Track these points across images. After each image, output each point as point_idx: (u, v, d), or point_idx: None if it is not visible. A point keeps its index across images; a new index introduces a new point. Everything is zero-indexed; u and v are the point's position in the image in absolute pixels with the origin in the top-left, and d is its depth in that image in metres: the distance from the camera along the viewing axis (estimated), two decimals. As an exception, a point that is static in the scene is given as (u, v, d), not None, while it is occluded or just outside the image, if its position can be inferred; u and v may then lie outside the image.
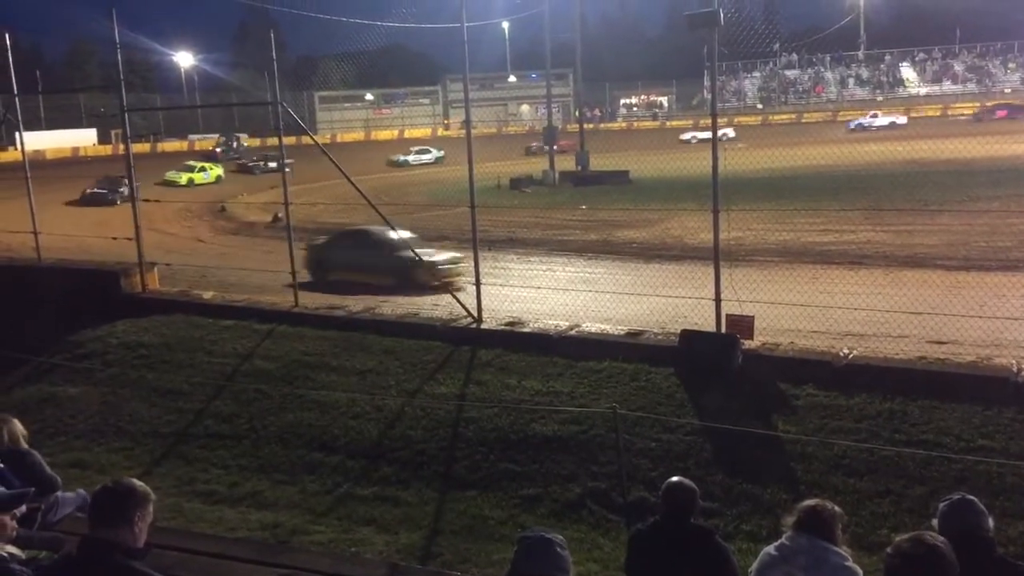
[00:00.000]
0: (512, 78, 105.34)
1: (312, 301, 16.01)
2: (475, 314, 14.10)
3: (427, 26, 57.12)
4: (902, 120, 73.18)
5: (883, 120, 73.33)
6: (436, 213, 28.36)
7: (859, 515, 7.96)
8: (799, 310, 13.76)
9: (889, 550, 3.52)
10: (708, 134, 15.48)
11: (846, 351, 11.51)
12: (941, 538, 3.55)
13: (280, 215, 18.54)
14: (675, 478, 4.92)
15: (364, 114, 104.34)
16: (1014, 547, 6.84)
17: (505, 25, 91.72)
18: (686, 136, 68.54)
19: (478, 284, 14.29)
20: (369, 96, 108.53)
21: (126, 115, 17.28)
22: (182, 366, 13.44)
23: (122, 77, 16.77)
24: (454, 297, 14.60)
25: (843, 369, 10.84)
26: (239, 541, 7.49)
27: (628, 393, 10.96)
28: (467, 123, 15.28)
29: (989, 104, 75.16)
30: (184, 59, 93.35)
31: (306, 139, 19.29)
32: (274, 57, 16.08)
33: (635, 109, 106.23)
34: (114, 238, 17.67)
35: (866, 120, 73.06)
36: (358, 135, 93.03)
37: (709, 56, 12.61)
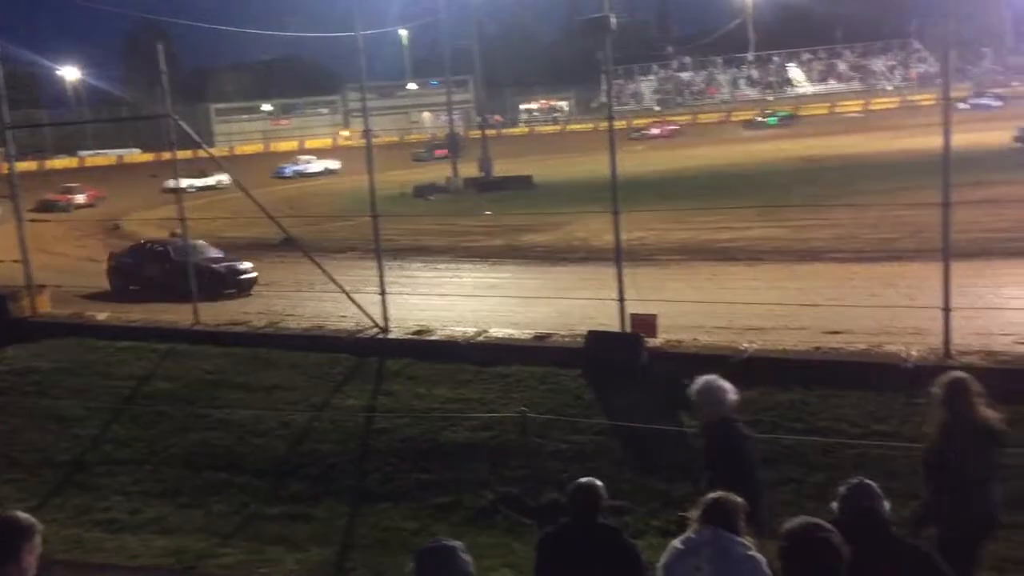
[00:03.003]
0: (412, 86, 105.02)
1: (214, 318, 15.65)
2: (382, 324, 13.98)
3: (322, 35, 56.56)
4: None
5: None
6: (340, 224, 28.05)
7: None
8: (702, 307, 14.09)
9: (781, 535, 3.62)
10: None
11: (747, 345, 11.82)
12: (826, 523, 3.67)
13: (178, 231, 18.03)
14: (581, 479, 4.95)
15: (262, 125, 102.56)
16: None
17: (403, 33, 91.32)
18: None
19: (383, 293, 14.18)
20: (267, 107, 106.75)
21: (9, 133, 16.63)
22: (77, 391, 12.93)
23: (3, 92, 16.12)
24: (359, 308, 14.44)
25: (744, 363, 11.10)
26: (141, 569, 7.24)
27: (537, 396, 11.02)
28: (367, 132, 15.19)
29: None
30: (70, 73, 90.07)
31: (202, 153, 18.88)
32: (164, 69, 15.65)
33: (536, 114, 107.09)
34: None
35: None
36: (257, 147, 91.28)
37: (604, 61, 12.77)
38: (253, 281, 20.45)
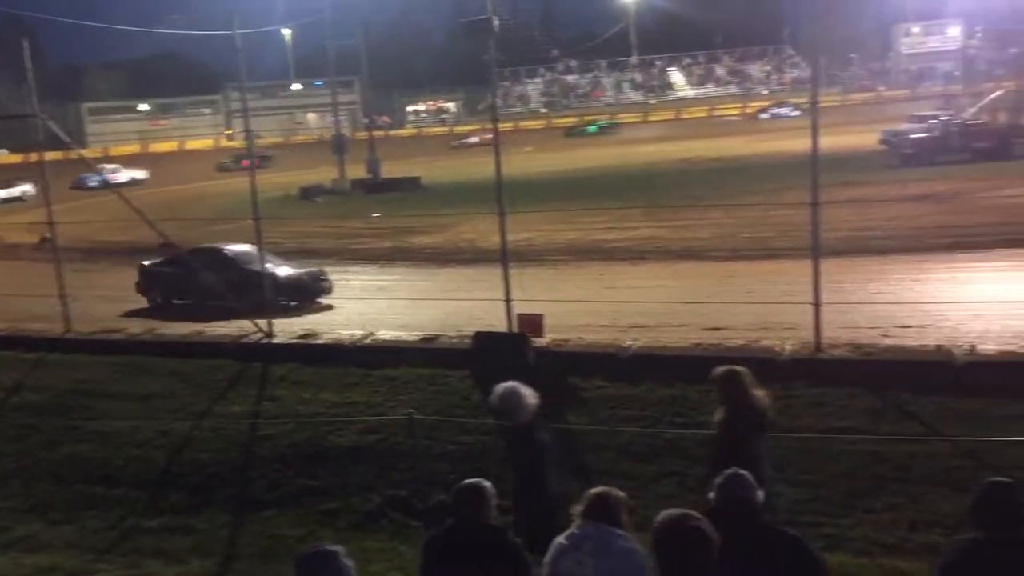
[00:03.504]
0: (297, 86, 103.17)
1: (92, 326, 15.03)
2: (266, 329, 13.70)
3: (198, 33, 54.89)
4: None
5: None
6: (221, 227, 27.31)
7: (646, 498, 8.32)
8: (588, 306, 14.31)
9: (653, 527, 3.72)
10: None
11: (630, 343, 12.07)
12: (696, 512, 3.78)
13: (49, 235, 17.16)
14: (467, 480, 4.96)
15: (140, 126, 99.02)
16: (783, 513, 7.36)
17: (287, 32, 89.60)
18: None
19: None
20: (143, 106, 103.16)
21: None
22: (-65, 407, 12.23)
23: None
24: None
25: (628, 360, 11.36)
26: (9, 590, 6.89)
27: (425, 398, 10.99)
28: (248, 133, 14.87)
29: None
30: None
31: (75, 153, 18.12)
32: (29, 67, 14.93)
33: (424, 115, 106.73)
34: None
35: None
36: (133, 148, 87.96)
37: (488, 62, 12.85)
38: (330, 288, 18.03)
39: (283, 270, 17.57)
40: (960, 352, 10.57)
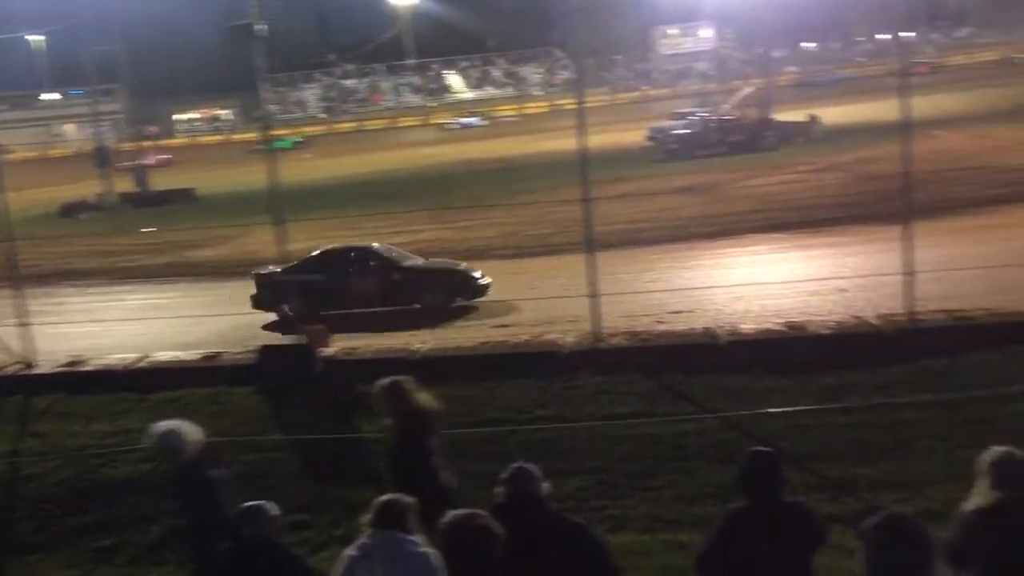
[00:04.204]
0: (52, 95, 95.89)
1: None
2: (25, 359, 12.65)
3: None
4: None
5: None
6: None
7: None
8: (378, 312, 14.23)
9: (438, 531, 3.74)
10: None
11: (419, 345, 12.09)
12: (480, 511, 3.83)
13: None
14: (247, 504, 4.78)
15: None
16: (572, 501, 7.63)
17: (39, 38, 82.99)
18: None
19: (25, 325, 12.84)
20: None
21: None
22: None
23: None
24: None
25: (418, 363, 11.34)
26: None
27: (208, 418, 10.42)
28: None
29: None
30: None
31: None
32: None
33: (196, 124, 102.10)
34: None
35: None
36: None
37: (258, 67, 12.47)
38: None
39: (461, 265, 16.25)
40: (724, 333, 11.33)
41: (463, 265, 16.47)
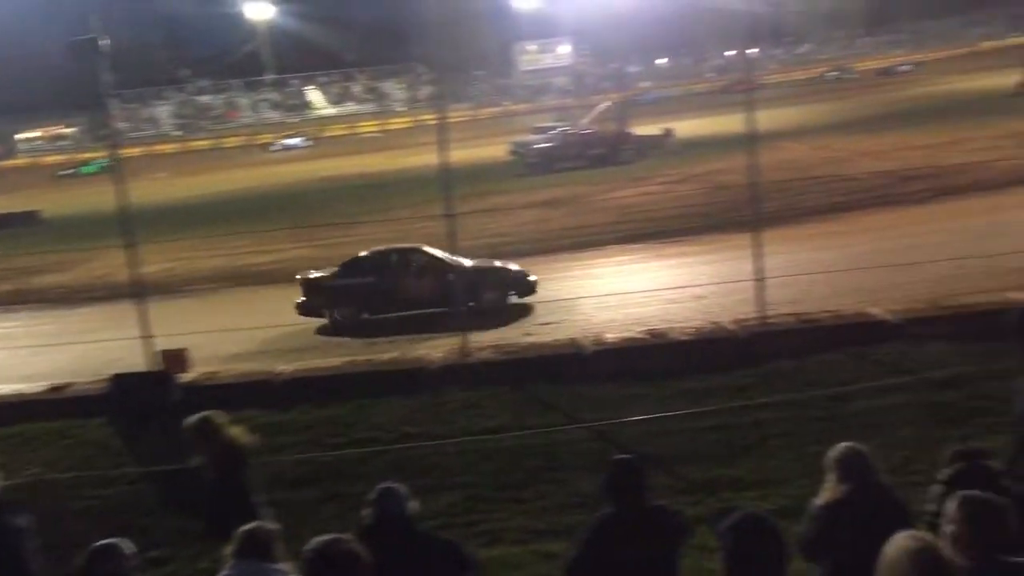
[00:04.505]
0: None
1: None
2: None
3: None
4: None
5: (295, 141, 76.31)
6: None
7: (311, 524, 8.14)
8: (240, 334, 13.81)
9: (304, 555, 3.66)
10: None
11: (283, 368, 11.81)
12: (344, 535, 3.77)
13: None
14: (99, 542, 4.54)
15: None
16: (443, 518, 7.59)
17: None
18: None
19: None
20: None
21: None
22: None
23: None
24: None
25: (282, 386, 11.12)
26: None
27: (56, 454, 9.96)
28: None
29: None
30: None
31: None
32: None
33: (39, 143, 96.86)
34: None
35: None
36: None
37: (104, 83, 11.95)
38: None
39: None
40: (589, 343, 11.54)
41: (513, 265, 16.28)
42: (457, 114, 57.24)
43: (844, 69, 78.47)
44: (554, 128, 40.84)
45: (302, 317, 15.24)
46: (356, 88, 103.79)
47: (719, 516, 3.82)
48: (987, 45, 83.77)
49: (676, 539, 4.68)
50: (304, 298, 15.41)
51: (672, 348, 11.21)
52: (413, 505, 4.73)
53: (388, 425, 9.89)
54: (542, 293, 15.36)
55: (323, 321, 15.23)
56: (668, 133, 38.57)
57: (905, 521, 3.67)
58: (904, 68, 74.06)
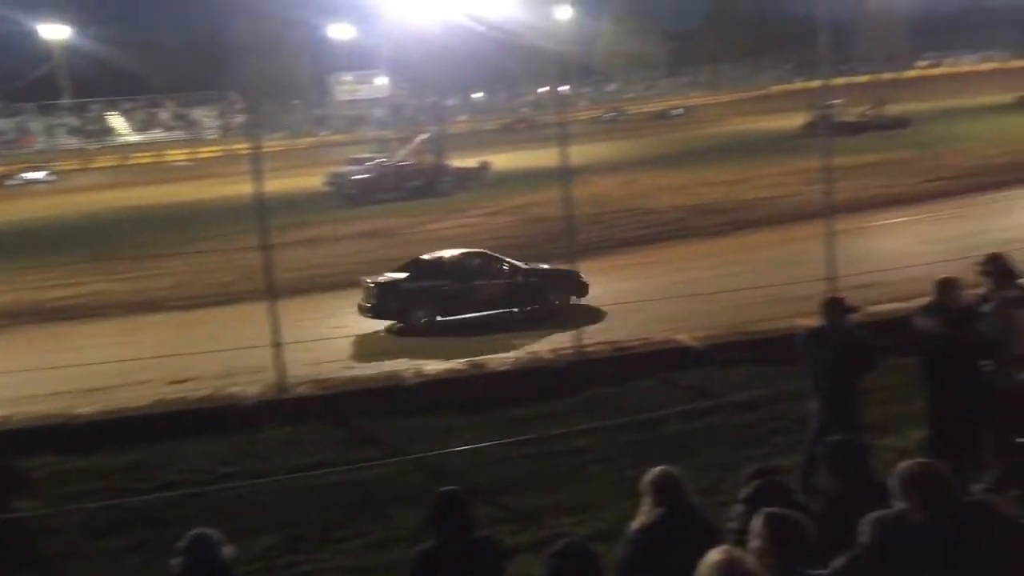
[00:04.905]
0: None
1: None
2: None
3: None
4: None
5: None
6: None
7: (118, 574, 7.74)
8: (33, 375, 12.85)
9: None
10: None
11: (83, 410, 11.10)
12: None
13: None
14: None
15: None
16: (260, 562, 7.33)
17: None
18: None
19: None
20: None
21: None
22: None
23: None
24: None
25: (82, 429, 10.44)
26: None
27: None
28: None
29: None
30: None
31: None
32: None
33: None
34: None
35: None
36: None
37: None
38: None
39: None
40: (409, 375, 11.53)
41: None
42: (272, 143, 55.98)
43: (620, 111, 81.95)
44: (371, 159, 40.61)
45: (368, 320, 15.45)
46: (164, 115, 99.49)
47: (545, 544, 3.93)
48: (776, 89, 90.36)
49: (498, 569, 4.74)
50: (376, 301, 15.32)
51: (492, 378, 11.37)
52: (228, 550, 4.58)
53: (201, 466, 9.47)
54: (363, 326, 15.23)
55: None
56: (485, 166, 39.19)
57: (716, 541, 3.88)
58: (676, 112, 78.04)
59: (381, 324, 15.52)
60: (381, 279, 15.78)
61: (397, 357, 13.47)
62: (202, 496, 8.78)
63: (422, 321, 15.36)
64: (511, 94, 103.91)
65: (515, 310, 15.49)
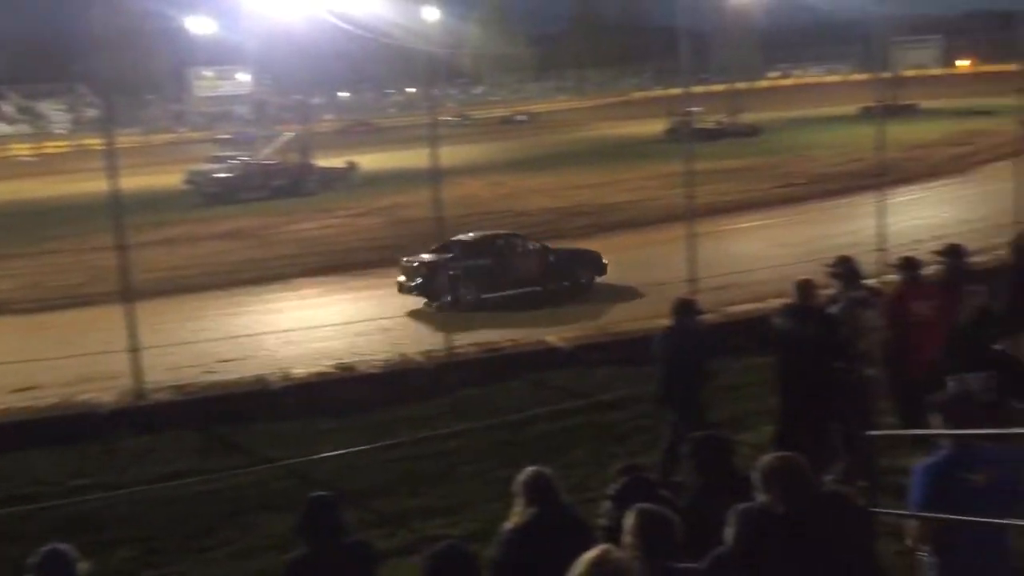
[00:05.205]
0: None
1: None
2: None
3: None
4: None
5: None
6: None
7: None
8: None
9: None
10: None
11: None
12: None
13: None
14: None
15: None
16: (119, 575, 7.04)
17: None
18: None
19: None
20: None
21: None
22: None
23: None
24: None
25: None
26: None
27: None
28: None
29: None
30: None
31: None
32: None
33: None
34: None
35: None
36: None
37: None
38: None
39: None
40: (276, 379, 11.27)
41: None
42: (126, 139, 53.63)
43: (465, 116, 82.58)
44: (234, 157, 39.39)
45: (410, 297, 15.87)
46: (7, 108, 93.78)
47: (415, 547, 3.95)
48: (638, 95, 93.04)
49: (371, 574, 4.71)
50: (422, 280, 15.65)
51: (361, 381, 11.26)
52: (83, 566, 4.37)
53: (52, 478, 8.98)
54: (226, 329, 14.79)
55: None
56: (351, 166, 38.69)
57: (588, 539, 3.96)
58: (520, 118, 79.28)
59: (248, 328, 15.07)
60: (426, 258, 15.93)
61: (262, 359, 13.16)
62: (54, 510, 8.34)
63: (467, 298, 15.68)
64: (378, 94, 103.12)
65: (547, 288, 16.32)
